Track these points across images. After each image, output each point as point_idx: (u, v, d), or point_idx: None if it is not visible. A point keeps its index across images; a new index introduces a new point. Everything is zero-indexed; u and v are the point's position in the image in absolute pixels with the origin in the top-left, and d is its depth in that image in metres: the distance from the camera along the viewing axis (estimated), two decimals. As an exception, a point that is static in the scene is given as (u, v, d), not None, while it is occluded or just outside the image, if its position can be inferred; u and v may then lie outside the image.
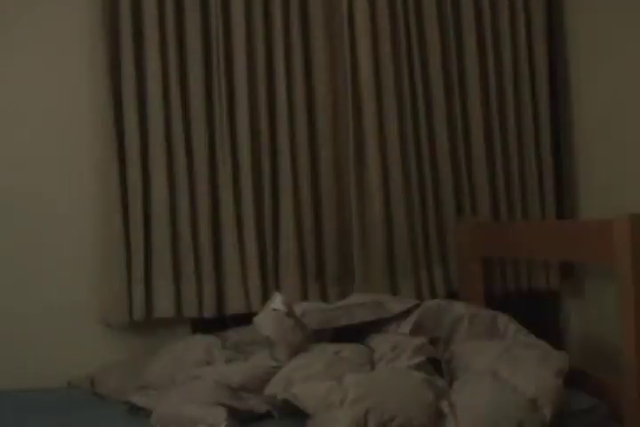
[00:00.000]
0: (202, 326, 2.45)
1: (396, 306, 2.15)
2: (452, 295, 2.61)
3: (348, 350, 1.96)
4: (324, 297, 2.51)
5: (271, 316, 2.01)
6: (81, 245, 2.42)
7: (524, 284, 2.69)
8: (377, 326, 2.14)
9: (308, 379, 1.79)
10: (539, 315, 2.74)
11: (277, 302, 2.05)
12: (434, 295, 2.60)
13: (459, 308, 2.16)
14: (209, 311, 2.42)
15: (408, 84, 2.61)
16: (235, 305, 2.44)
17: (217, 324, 2.43)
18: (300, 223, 2.50)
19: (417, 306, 2.14)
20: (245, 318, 2.25)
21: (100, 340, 2.39)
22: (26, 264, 2.39)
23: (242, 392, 1.87)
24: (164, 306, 2.39)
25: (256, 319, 2.03)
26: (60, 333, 2.38)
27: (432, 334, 2.08)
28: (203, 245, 2.44)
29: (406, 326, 2.09)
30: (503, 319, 2.17)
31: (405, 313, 2.13)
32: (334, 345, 2.00)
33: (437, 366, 1.95)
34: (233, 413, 1.76)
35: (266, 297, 2.34)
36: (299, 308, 2.12)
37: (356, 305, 2.15)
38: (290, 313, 2.02)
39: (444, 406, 1.72)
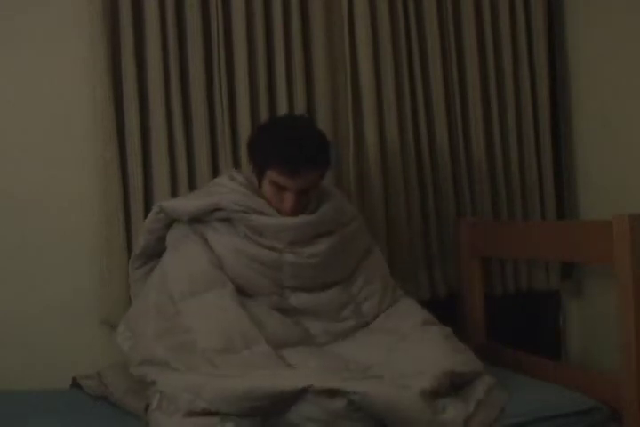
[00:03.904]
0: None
1: None
2: (452, 295, 2.61)
3: None
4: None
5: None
6: (81, 245, 2.41)
7: (523, 284, 2.69)
8: None
9: None
10: (539, 315, 2.74)
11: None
12: (434, 295, 2.60)
13: None
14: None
15: (408, 84, 2.61)
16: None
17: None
18: (301, 223, 2.50)
19: None
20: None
21: (102, 340, 2.38)
22: (26, 264, 2.38)
23: None
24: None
25: None
26: (61, 333, 2.37)
27: None
28: (203, 246, 2.44)
29: None
30: None
31: None
32: None
33: None
34: None
35: (266, 297, 2.34)
36: None
37: None
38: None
39: None
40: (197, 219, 2.08)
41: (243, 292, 2.02)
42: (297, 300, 2.06)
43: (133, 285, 2.21)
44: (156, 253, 2.16)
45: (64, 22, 2.41)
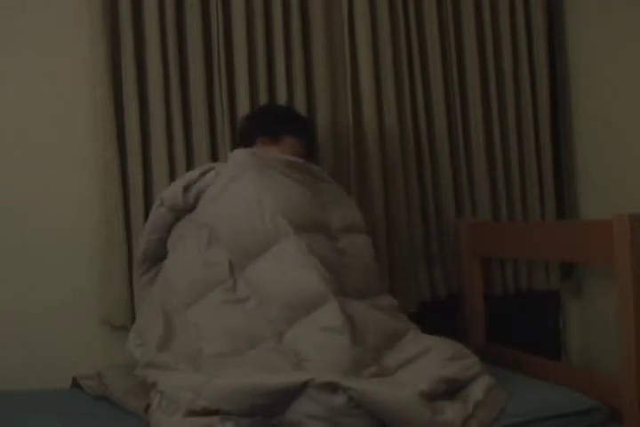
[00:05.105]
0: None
1: None
2: (452, 295, 2.61)
3: None
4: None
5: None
6: (82, 245, 2.41)
7: (523, 284, 2.69)
8: None
9: None
10: (539, 315, 2.74)
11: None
12: (434, 295, 2.60)
13: None
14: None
15: (408, 84, 2.61)
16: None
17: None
18: (301, 223, 2.50)
19: None
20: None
21: (102, 340, 2.39)
22: (26, 264, 2.38)
23: None
24: (164, 306, 2.39)
25: None
26: (61, 333, 2.37)
27: None
28: (203, 245, 2.44)
29: None
30: None
31: None
32: None
33: None
34: None
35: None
36: None
37: None
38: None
39: None
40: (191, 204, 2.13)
41: (242, 253, 2.01)
42: (296, 239, 1.98)
43: (139, 292, 2.23)
44: (158, 257, 2.17)
45: (64, 22, 2.41)
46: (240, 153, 2.13)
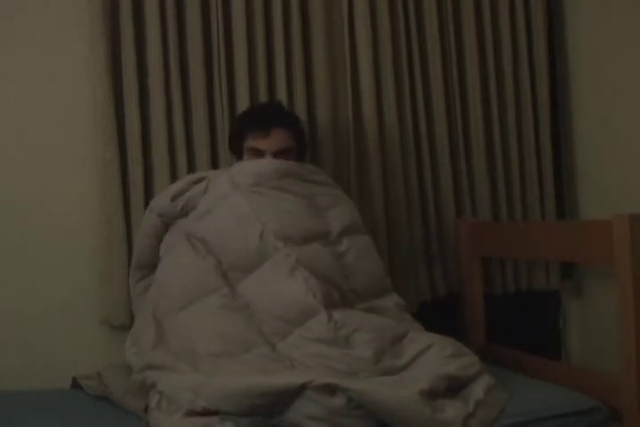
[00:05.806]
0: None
1: None
2: (452, 295, 2.61)
3: None
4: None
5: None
6: (82, 245, 2.41)
7: (523, 284, 2.69)
8: None
9: None
10: (539, 315, 2.74)
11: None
12: (434, 295, 2.60)
13: None
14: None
15: (408, 84, 2.61)
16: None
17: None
18: (301, 223, 2.50)
19: None
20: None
21: (102, 340, 2.39)
22: (26, 264, 2.38)
23: None
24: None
25: None
26: (61, 333, 2.37)
27: None
28: (203, 245, 2.44)
29: None
30: None
31: None
32: None
33: None
34: None
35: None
36: None
37: None
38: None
39: None
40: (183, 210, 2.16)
41: (234, 268, 2.03)
42: (286, 254, 2.00)
43: (135, 298, 2.24)
44: (152, 264, 2.19)
45: (64, 22, 2.41)
46: (234, 168, 2.18)
